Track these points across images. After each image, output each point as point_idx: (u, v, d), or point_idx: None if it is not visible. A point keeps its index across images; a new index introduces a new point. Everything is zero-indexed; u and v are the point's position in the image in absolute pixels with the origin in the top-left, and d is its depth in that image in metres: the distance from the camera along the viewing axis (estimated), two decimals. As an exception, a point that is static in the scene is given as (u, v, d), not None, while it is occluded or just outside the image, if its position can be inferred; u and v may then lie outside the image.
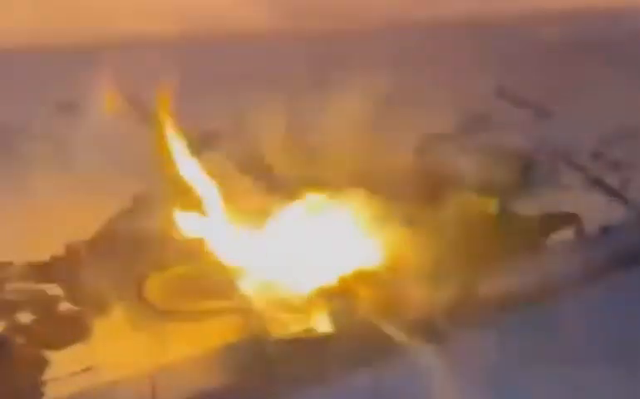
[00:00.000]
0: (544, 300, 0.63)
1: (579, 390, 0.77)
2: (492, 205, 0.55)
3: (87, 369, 0.35)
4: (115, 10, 0.85)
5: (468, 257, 0.50)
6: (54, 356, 0.34)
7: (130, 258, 0.44)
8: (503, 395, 0.68)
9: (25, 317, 0.38)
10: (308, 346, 0.45)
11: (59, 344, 0.37)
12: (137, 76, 0.82)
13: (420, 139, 0.67)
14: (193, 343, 0.44)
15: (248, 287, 0.48)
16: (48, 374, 0.34)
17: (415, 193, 0.55)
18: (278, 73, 0.86)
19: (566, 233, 0.54)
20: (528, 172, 0.65)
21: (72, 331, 0.38)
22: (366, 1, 1.03)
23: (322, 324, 0.45)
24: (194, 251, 0.49)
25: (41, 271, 0.41)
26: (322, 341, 0.47)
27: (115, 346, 0.38)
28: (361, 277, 0.50)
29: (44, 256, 0.43)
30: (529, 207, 0.56)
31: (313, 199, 0.55)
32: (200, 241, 0.51)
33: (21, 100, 0.64)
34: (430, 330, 0.55)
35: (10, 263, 0.41)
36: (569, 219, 0.55)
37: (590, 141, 0.69)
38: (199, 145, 0.64)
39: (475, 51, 1.05)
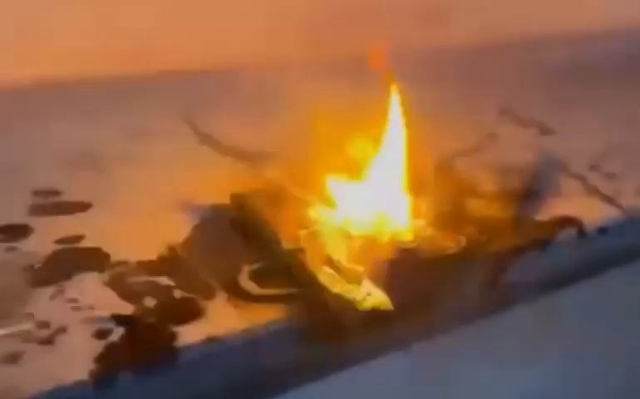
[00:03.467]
0: (551, 291, 0.73)
1: (576, 379, 0.87)
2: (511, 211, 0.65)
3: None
4: (166, 44, 0.94)
5: (491, 251, 0.60)
6: (180, 329, 0.42)
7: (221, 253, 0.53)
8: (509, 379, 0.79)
9: (149, 302, 0.45)
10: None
11: (181, 321, 0.44)
12: (194, 103, 0.93)
13: (439, 156, 0.76)
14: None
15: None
16: (180, 342, 0.42)
17: (439, 198, 0.64)
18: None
19: (569, 234, 0.63)
20: (535, 182, 0.75)
21: (190, 311, 0.46)
22: (374, 31, 1.12)
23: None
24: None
25: (152, 267, 0.49)
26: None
27: (224, 322, 0.46)
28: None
29: (152, 255, 0.51)
30: (538, 212, 0.66)
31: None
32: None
33: (99, 127, 0.71)
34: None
35: (125, 262, 0.48)
36: (572, 221, 0.64)
37: (588, 155, 0.78)
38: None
39: (479, 74, 1.16)
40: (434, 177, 0.77)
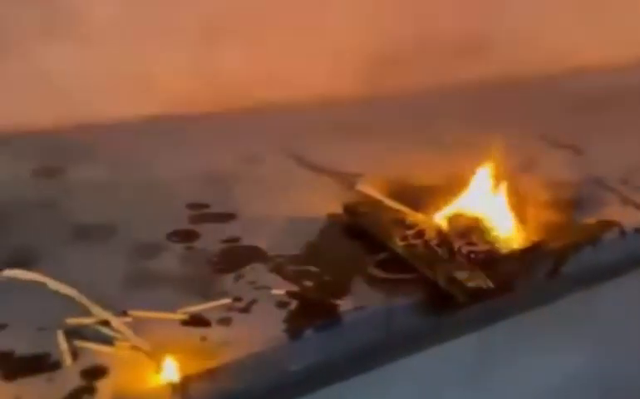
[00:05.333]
0: (597, 283, 0.90)
1: (610, 369, 0.96)
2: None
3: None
4: (255, 81, 1.09)
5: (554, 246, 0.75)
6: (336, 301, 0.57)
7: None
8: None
9: (307, 283, 0.59)
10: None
11: (335, 296, 0.57)
12: (286, 132, 1.10)
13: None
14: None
15: None
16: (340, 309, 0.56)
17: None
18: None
19: (613, 233, 0.79)
20: (579, 193, 0.91)
21: (338, 290, 0.60)
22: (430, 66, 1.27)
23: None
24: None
25: (300, 259, 0.62)
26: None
27: (364, 298, 0.60)
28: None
29: (296, 250, 0.65)
30: (585, 217, 0.81)
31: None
32: None
33: (216, 155, 0.85)
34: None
35: (280, 256, 0.61)
36: (614, 224, 0.80)
37: (619, 172, 0.94)
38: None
39: (516, 105, 1.33)
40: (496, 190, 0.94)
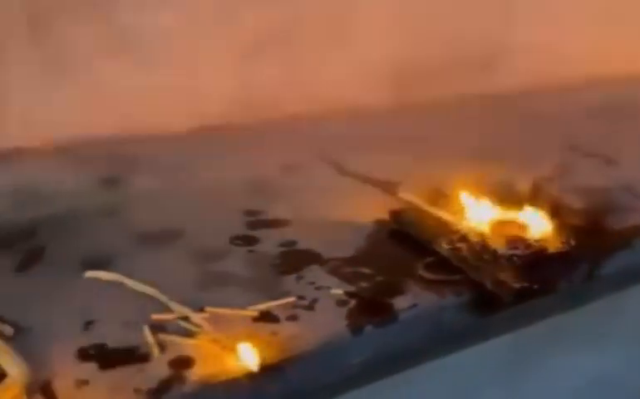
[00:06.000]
0: (629, 287, 0.94)
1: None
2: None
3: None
4: (290, 94, 1.15)
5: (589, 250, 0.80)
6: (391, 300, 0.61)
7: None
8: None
9: (363, 283, 0.63)
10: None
11: (389, 296, 0.62)
12: (323, 141, 1.15)
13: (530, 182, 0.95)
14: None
15: None
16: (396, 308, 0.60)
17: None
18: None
19: None
20: (610, 200, 0.96)
21: (392, 290, 0.65)
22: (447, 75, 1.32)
23: None
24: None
25: (354, 261, 0.67)
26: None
27: (416, 297, 0.66)
28: None
29: (348, 254, 0.69)
30: (617, 223, 0.86)
31: None
32: None
33: (259, 162, 0.90)
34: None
35: (334, 259, 0.66)
36: None
37: None
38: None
39: (538, 114, 1.37)
40: (532, 196, 0.99)
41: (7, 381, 0.55)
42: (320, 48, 1.25)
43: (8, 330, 0.62)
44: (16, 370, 0.55)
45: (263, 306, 0.67)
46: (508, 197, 0.87)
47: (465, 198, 0.87)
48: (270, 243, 0.80)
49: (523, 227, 0.82)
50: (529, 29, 1.48)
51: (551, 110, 1.39)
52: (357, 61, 1.31)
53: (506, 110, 1.36)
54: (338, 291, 0.71)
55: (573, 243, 0.82)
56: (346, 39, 1.28)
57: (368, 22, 1.29)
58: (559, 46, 1.48)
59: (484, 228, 0.82)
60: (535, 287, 0.73)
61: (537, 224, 0.84)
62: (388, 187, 0.98)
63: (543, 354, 0.93)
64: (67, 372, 0.57)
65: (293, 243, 0.81)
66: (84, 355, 0.59)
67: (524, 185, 1.00)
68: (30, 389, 0.53)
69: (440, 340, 0.73)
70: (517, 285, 0.73)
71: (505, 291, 0.73)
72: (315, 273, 0.75)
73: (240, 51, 1.15)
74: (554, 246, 0.81)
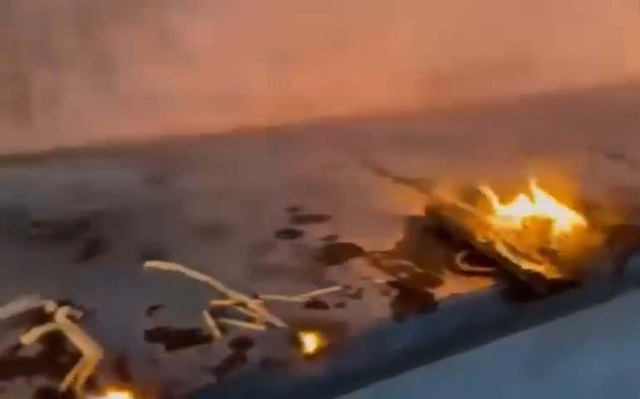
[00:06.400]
0: None
1: None
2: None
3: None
4: (326, 97, 1.20)
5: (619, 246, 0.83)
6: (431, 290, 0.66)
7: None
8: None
9: (403, 274, 0.69)
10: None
11: (429, 286, 0.68)
12: (358, 142, 1.20)
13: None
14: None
15: None
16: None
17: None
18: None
19: None
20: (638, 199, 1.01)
21: (430, 281, 0.69)
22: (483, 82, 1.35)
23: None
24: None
25: (393, 254, 0.71)
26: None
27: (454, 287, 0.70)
28: None
29: (388, 248, 0.73)
30: None
31: None
32: None
33: (302, 162, 0.95)
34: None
35: (375, 252, 0.71)
36: None
37: None
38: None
39: (571, 118, 1.41)
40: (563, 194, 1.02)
41: (83, 359, 0.60)
42: (355, 54, 1.30)
43: (78, 313, 0.67)
44: (90, 349, 0.60)
45: (313, 293, 0.71)
46: (539, 194, 0.91)
47: (500, 195, 0.91)
48: (313, 237, 0.85)
49: (556, 223, 0.87)
50: (557, 36, 1.52)
51: (581, 114, 1.42)
52: (391, 67, 1.35)
53: (537, 114, 1.39)
54: (381, 281, 0.76)
55: (604, 239, 0.85)
56: (385, 43, 1.33)
57: (403, 29, 1.34)
58: (588, 53, 1.52)
59: (518, 223, 0.86)
60: (567, 280, 0.77)
61: (569, 221, 0.88)
62: (424, 185, 1.02)
63: (570, 348, 0.97)
64: (138, 352, 0.62)
65: (335, 237, 0.85)
66: (151, 336, 0.64)
67: (555, 183, 1.03)
68: (105, 367, 0.58)
69: (477, 329, 0.77)
70: (550, 277, 0.77)
71: (539, 282, 0.77)
72: (358, 264, 0.79)
73: (281, 55, 1.20)
74: (586, 241, 0.85)
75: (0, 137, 1.00)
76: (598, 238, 0.86)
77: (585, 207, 0.93)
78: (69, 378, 0.57)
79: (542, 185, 0.97)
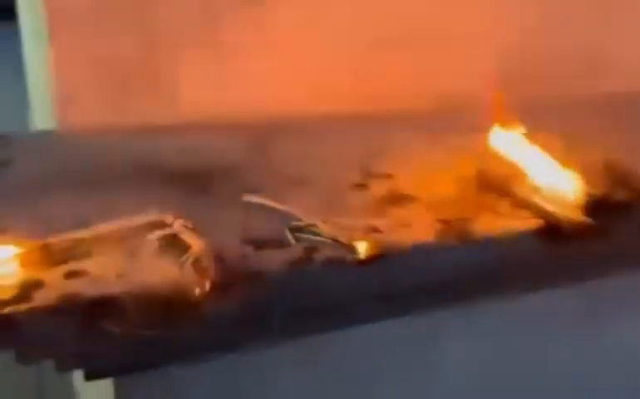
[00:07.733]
0: None
1: None
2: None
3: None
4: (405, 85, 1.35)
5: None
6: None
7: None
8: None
9: None
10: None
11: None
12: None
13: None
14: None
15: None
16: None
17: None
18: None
19: None
20: None
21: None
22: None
23: None
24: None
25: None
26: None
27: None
28: None
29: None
30: None
31: None
32: None
33: (365, 144, 1.14)
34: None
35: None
36: None
37: None
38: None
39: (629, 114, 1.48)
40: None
41: (191, 250, 0.81)
42: (438, 47, 1.41)
43: (189, 224, 0.88)
44: (196, 243, 0.81)
45: (370, 221, 0.90)
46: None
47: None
48: (379, 190, 1.03)
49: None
50: (629, 33, 1.60)
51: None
52: (467, 60, 1.44)
53: (611, 110, 1.47)
54: (428, 217, 0.93)
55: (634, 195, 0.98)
56: (461, 37, 1.42)
57: (480, 20, 1.44)
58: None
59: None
60: (594, 223, 0.91)
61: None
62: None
63: (617, 312, 1.08)
64: (233, 250, 0.82)
65: (397, 189, 1.03)
66: (244, 241, 0.85)
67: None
68: (214, 256, 0.79)
69: (513, 264, 0.92)
70: (579, 219, 0.91)
71: (569, 223, 0.91)
72: (413, 206, 0.97)
73: (366, 44, 1.36)
74: (616, 196, 0.98)
75: (135, 110, 1.25)
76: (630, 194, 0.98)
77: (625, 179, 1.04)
78: (182, 259, 0.78)
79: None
